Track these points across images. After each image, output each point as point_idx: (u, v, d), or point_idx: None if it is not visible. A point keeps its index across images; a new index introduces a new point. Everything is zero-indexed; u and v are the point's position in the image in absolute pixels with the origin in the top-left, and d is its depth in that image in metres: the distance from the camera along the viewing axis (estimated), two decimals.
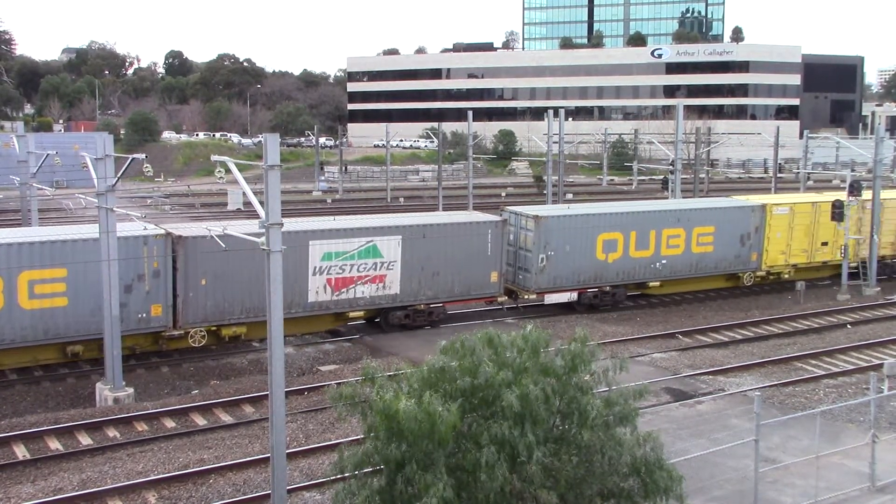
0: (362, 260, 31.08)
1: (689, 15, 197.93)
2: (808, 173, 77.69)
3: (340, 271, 30.87)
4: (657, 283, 38.28)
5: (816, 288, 42.40)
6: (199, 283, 28.42)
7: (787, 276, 42.01)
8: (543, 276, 35.10)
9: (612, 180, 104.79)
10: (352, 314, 31.82)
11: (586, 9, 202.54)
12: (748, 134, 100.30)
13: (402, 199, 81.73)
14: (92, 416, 23.70)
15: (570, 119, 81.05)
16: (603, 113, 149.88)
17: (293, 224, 30.96)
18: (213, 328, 29.25)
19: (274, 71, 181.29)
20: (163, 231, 28.45)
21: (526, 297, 35.53)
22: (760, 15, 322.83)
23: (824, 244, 42.65)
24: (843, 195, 42.05)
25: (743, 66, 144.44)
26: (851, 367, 28.95)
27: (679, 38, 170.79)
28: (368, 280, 31.61)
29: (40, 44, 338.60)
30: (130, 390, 25.41)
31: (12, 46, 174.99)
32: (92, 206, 26.34)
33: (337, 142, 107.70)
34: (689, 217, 38.75)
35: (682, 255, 38.41)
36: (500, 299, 34.97)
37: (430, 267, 32.61)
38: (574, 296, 36.55)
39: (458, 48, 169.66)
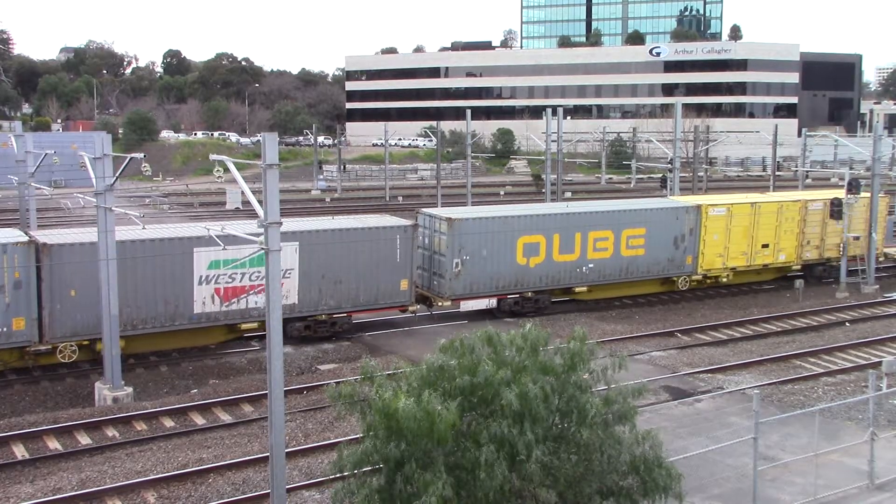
0: (255, 268, 28.75)
1: (687, 13, 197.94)
2: (807, 171, 77.77)
3: (230, 280, 29.04)
4: (584, 289, 36.67)
5: (815, 286, 42.37)
6: (67, 294, 26.61)
7: (725, 279, 40.43)
8: (459, 281, 33.39)
9: (610, 179, 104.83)
10: (244, 326, 29.85)
11: (584, 7, 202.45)
12: (746, 132, 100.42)
13: (400, 198, 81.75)
14: (91, 415, 23.69)
15: (569, 117, 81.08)
16: (601, 111, 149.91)
17: (176, 230, 30.08)
18: (87, 342, 27.31)
19: (272, 70, 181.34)
20: (26, 238, 26.93)
21: (440, 304, 33.79)
22: (759, 13, 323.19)
23: (765, 246, 40.93)
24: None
25: (741, 65, 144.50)
26: (850, 365, 28.97)
27: (677, 36, 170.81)
28: (262, 289, 28.70)
29: (38, 43, 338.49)
30: (129, 390, 25.40)
31: (10, 46, 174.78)
32: (90, 205, 26.29)
33: (335, 141, 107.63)
34: (617, 219, 36.97)
35: (610, 258, 36.69)
36: (411, 308, 32.94)
37: (331, 275, 30.79)
38: (493, 302, 35.24)
39: (457, 47, 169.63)
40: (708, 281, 40.25)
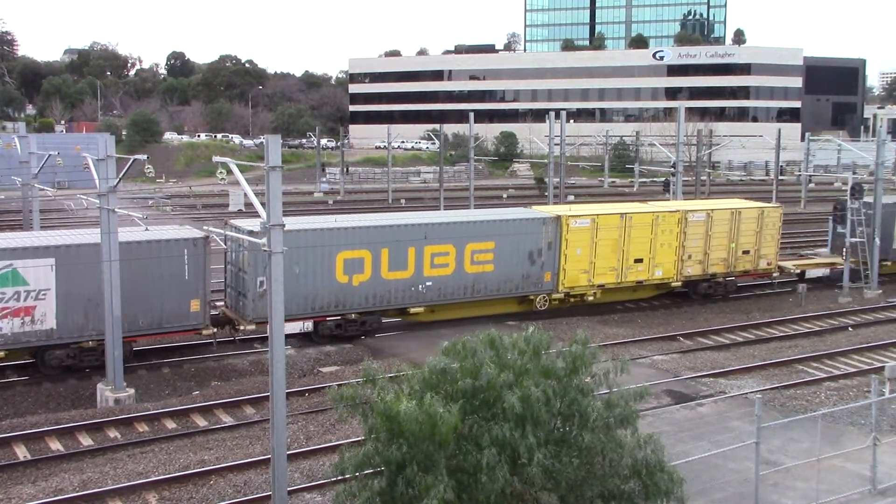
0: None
1: (690, 17, 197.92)
2: (810, 176, 77.74)
3: None
4: (421, 309, 32.94)
5: (817, 290, 42.33)
6: None
7: (591, 298, 36.68)
8: (264, 302, 28.24)
9: (613, 182, 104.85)
10: None
11: (588, 11, 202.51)
12: (750, 136, 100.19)
13: (403, 201, 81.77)
14: (93, 416, 23.71)
15: (572, 121, 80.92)
16: (604, 115, 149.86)
17: None
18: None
19: (276, 72, 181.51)
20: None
21: (243, 327, 29.80)
22: (762, 17, 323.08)
23: (639, 261, 37.21)
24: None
25: (745, 69, 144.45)
26: (852, 370, 28.93)
27: (681, 40, 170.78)
28: (9, 313, 25.93)
29: (42, 44, 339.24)
30: (131, 391, 25.42)
31: (14, 47, 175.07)
32: (93, 206, 26.32)
33: (338, 143, 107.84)
34: (458, 231, 33.16)
35: (452, 275, 32.97)
36: (205, 332, 29.43)
37: (100, 296, 26.10)
38: (309, 325, 31.49)
39: (460, 50, 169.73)
40: (572, 300, 36.53)
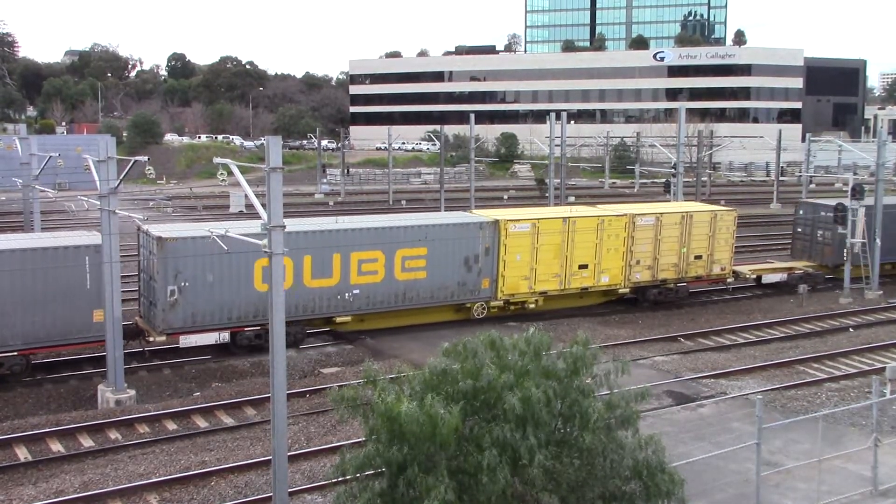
0: None
1: (691, 18, 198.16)
2: (811, 176, 77.75)
3: None
4: (348, 318, 31.56)
5: (819, 291, 42.27)
6: None
7: (533, 306, 35.37)
8: (176, 312, 28.10)
9: (613, 183, 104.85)
10: None
11: (588, 12, 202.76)
12: (750, 137, 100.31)
13: (404, 202, 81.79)
14: (94, 417, 23.72)
15: (572, 122, 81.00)
16: (605, 116, 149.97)
17: None
18: None
19: (276, 73, 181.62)
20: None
21: (153, 339, 28.56)
22: (763, 18, 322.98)
23: (583, 267, 35.86)
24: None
25: (745, 70, 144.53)
26: (854, 371, 28.92)
27: (681, 41, 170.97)
28: None
29: (43, 46, 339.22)
30: (132, 392, 25.42)
31: (15, 48, 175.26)
32: (94, 208, 26.34)
33: (339, 144, 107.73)
34: (388, 237, 31.77)
35: (382, 283, 31.65)
36: None
37: (6, 305, 25.39)
38: (226, 336, 29.48)
39: (461, 51, 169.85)
40: (512, 307, 35.09)
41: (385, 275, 31.74)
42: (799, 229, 45.59)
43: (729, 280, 40.71)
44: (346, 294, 31.09)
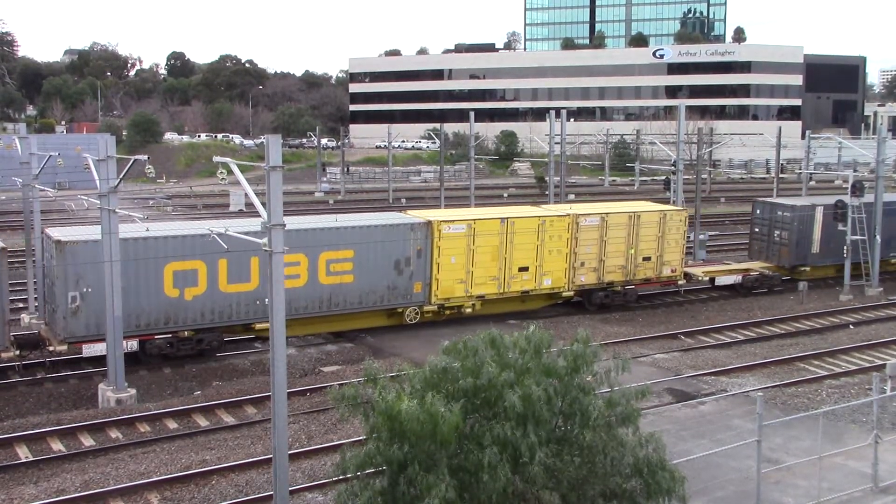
0: None
1: (690, 15, 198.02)
2: (811, 174, 77.67)
3: None
4: (268, 325, 30.99)
5: (819, 289, 42.28)
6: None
7: (470, 310, 33.86)
8: (77, 320, 26.77)
9: (613, 181, 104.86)
10: None
11: (588, 9, 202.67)
12: (750, 134, 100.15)
13: (404, 200, 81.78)
14: (94, 417, 23.74)
15: (572, 120, 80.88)
16: (605, 113, 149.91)
17: None
18: None
19: (276, 72, 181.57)
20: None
21: (53, 348, 27.13)
22: (762, 15, 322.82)
23: (523, 270, 34.46)
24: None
25: (745, 67, 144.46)
26: (854, 368, 28.93)
27: (681, 38, 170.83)
28: None
29: (42, 45, 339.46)
30: (133, 391, 25.43)
31: (14, 48, 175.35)
32: (94, 207, 26.33)
33: (339, 143, 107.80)
34: (311, 239, 30.05)
35: (305, 287, 30.09)
36: (5, 356, 26.84)
37: None
38: (134, 344, 27.81)
39: (460, 49, 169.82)
40: (447, 312, 33.62)
41: (308, 278, 30.29)
42: (756, 229, 44.25)
43: (681, 282, 39.55)
44: (267, 299, 29.32)
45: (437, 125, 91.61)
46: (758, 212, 44.37)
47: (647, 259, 37.52)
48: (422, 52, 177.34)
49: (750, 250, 45.18)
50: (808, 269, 42.80)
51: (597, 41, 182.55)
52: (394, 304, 32.52)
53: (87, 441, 22.44)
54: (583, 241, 35.72)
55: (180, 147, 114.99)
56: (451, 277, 33.19)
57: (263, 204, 15.53)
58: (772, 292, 42.06)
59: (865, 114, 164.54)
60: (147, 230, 28.55)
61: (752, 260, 44.15)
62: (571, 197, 72.91)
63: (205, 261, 28.14)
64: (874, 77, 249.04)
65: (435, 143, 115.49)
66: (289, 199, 69.72)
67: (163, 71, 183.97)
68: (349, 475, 12.81)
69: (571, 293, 36.30)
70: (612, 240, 36.43)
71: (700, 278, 40.44)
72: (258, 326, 29.66)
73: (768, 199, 45.81)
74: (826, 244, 42.36)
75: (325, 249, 30.39)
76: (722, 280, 41.35)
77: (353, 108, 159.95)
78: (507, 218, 34.28)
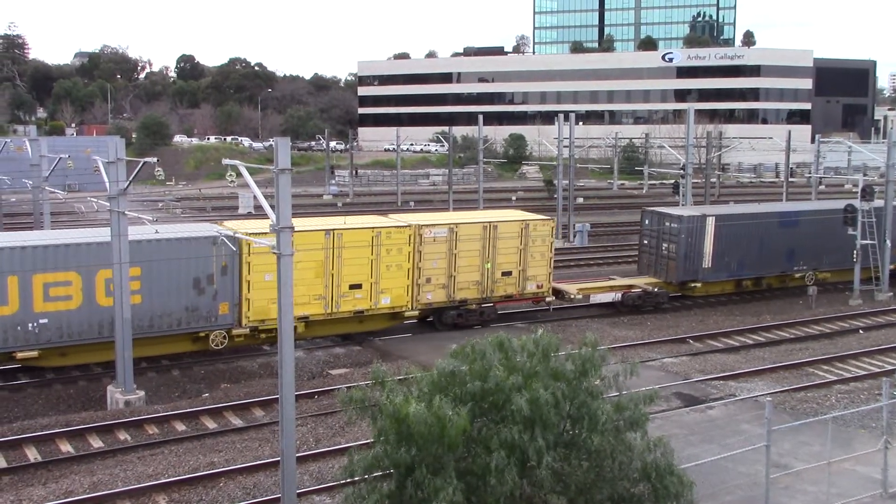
0: None
1: (700, 19, 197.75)
2: (820, 178, 77.42)
3: None
4: (34, 353, 26.39)
5: (828, 293, 42.13)
6: None
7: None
8: None
9: (622, 184, 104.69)
10: None
11: (597, 13, 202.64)
12: (759, 138, 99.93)
13: (412, 203, 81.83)
14: (103, 418, 23.79)
15: (581, 123, 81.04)
16: (613, 117, 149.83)
17: None
18: None
19: (285, 75, 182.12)
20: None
21: None
22: (772, 19, 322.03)
23: (356, 287, 31.03)
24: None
25: (754, 71, 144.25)
26: (863, 373, 28.80)
27: (690, 42, 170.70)
28: None
29: (53, 48, 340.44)
30: (141, 393, 25.49)
31: (25, 50, 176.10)
32: (104, 209, 26.43)
33: (347, 145, 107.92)
34: (85, 255, 26.58)
35: (79, 310, 26.64)
36: None
37: None
38: None
39: (469, 52, 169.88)
40: (263, 335, 29.93)
41: (84, 300, 26.72)
42: (645, 241, 39.74)
43: (549, 299, 35.71)
44: (30, 324, 26.05)
45: (446, 128, 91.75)
46: (646, 222, 39.79)
47: (507, 274, 34.07)
48: (430, 55, 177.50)
49: (639, 264, 40.83)
50: (698, 284, 38.85)
51: (605, 45, 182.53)
52: (196, 327, 28.73)
53: (96, 442, 22.50)
54: (428, 254, 32.29)
55: (189, 149, 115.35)
56: (265, 297, 28.80)
57: (272, 206, 15.57)
58: (781, 296, 41.91)
59: (875, 118, 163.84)
60: None
61: (641, 275, 40.07)
62: (580, 200, 72.81)
63: None
64: (884, 81, 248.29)
65: (443, 146, 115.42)
66: (298, 201, 69.87)
67: (172, 74, 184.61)
68: (357, 478, 12.82)
69: (416, 312, 32.74)
70: (463, 253, 33.05)
71: (573, 297, 36.33)
72: (20, 355, 26.33)
73: (657, 209, 41.32)
74: (720, 258, 38.66)
75: (103, 267, 26.10)
76: (597, 298, 37.28)
77: (361, 111, 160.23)
78: (333, 230, 30.61)
